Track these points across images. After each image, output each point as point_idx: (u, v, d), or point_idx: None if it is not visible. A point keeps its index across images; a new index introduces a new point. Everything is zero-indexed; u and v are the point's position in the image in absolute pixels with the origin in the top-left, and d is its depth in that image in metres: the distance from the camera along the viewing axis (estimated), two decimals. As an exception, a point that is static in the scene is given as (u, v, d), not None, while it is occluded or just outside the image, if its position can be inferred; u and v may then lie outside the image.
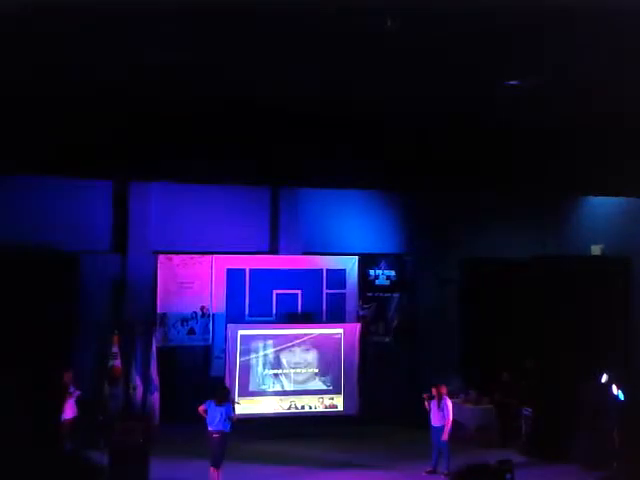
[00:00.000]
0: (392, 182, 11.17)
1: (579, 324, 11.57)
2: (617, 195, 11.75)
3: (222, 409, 9.95)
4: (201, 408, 10.05)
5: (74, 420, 11.25)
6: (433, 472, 10.74)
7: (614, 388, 10.77)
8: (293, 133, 9.44)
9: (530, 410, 11.76)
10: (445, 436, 10.67)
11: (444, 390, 11.00)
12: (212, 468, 9.99)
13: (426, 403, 10.95)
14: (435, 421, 10.85)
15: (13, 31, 6.18)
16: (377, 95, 8.21)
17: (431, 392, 10.96)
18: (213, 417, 9.94)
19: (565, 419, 11.13)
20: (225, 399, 10.17)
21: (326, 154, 9.79)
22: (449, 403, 10.88)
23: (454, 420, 11.00)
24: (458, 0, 5.67)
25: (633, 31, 6.19)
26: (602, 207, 12.91)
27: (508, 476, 8.16)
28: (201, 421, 10.17)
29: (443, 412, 10.77)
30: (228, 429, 9.95)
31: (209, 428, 9.98)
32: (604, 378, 10.90)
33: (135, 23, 6.09)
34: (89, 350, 12.46)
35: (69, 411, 11.22)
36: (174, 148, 9.84)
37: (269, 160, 10.03)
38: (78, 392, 11.32)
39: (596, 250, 12.96)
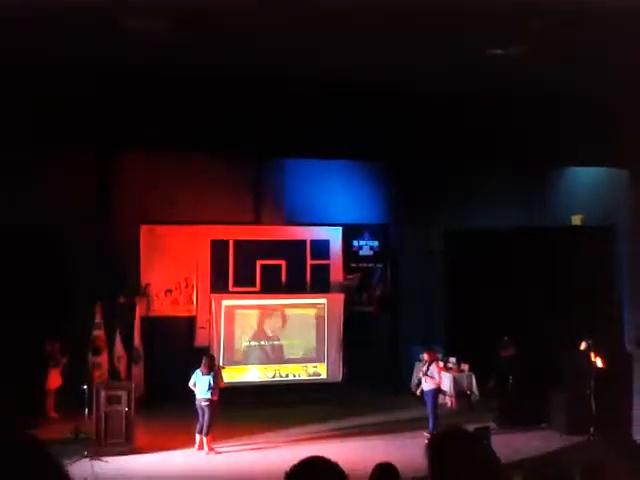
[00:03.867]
0: (378, 152, 11.19)
1: (561, 293, 11.77)
2: (599, 166, 11.88)
3: (209, 377, 10.05)
4: (191, 383, 10.14)
5: (59, 389, 11.29)
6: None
7: (592, 355, 11.01)
8: (286, 103, 9.39)
9: (508, 377, 11.95)
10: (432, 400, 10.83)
11: (434, 356, 11.16)
12: (200, 436, 10.10)
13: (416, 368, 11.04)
14: (426, 386, 10.97)
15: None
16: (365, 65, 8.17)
17: (422, 358, 11.05)
18: (201, 386, 10.03)
19: (544, 385, 11.37)
20: (211, 367, 10.26)
21: (317, 124, 9.77)
22: (437, 368, 11.04)
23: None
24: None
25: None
26: (583, 177, 13.04)
27: (485, 442, 8.36)
28: (186, 390, 10.26)
29: (433, 377, 10.91)
30: (215, 397, 10.06)
31: (197, 396, 10.08)
32: (583, 345, 11.13)
33: None
34: (75, 319, 12.43)
35: (54, 380, 11.25)
36: (157, 116, 9.74)
37: (257, 130, 9.97)
38: (64, 360, 11.34)
39: (577, 220, 13.13)
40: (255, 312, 14.15)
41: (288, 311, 14.30)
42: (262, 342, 14.08)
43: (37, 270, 11.82)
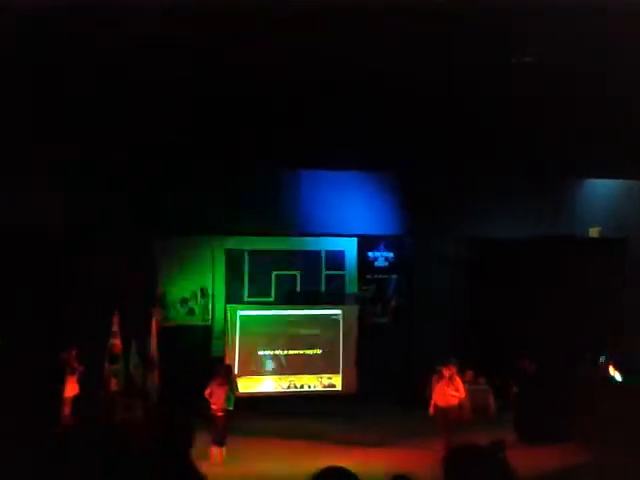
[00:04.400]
0: (393, 163, 11.22)
1: (579, 305, 11.68)
2: (616, 177, 11.81)
3: (225, 388, 10.07)
4: (207, 392, 10.16)
5: (76, 397, 11.36)
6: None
7: (611, 369, 10.90)
8: (302, 115, 9.46)
9: (527, 390, 11.85)
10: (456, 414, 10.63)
11: (453, 370, 10.86)
12: (214, 446, 10.11)
13: (433, 383, 10.83)
14: (445, 400, 10.69)
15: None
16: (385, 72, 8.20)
17: (441, 372, 10.78)
18: (217, 396, 10.06)
19: (562, 399, 11.25)
20: (227, 377, 10.28)
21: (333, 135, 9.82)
22: (459, 382, 10.83)
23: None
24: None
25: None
26: (600, 189, 12.96)
27: (500, 456, 8.25)
28: (201, 399, 10.28)
29: (455, 391, 10.65)
30: (231, 407, 10.07)
31: (212, 406, 10.10)
32: (602, 359, 11.02)
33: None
34: (92, 328, 12.51)
35: (71, 388, 11.33)
36: (173, 128, 9.84)
37: (274, 141, 10.05)
38: (81, 368, 11.41)
39: (594, 232, 13.05)
40: (270, 322, 14.17)
41: (303, 321, 14.31)
42: (277, 352, 14.09)
43: (55, 278, 11.94)
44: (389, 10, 6.27)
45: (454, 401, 10.69)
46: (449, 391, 10.68)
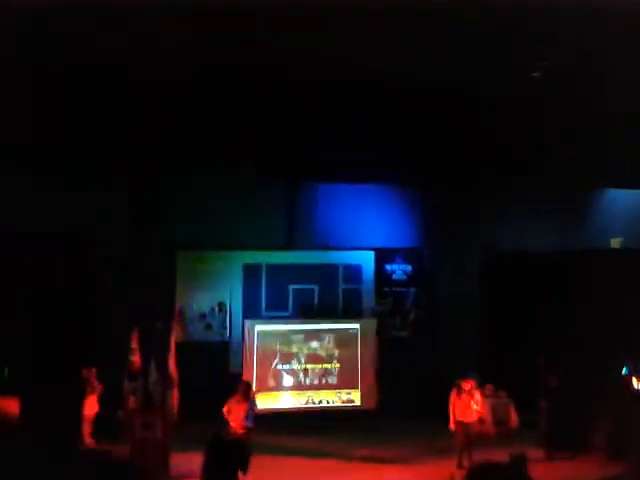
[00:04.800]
0: (410, 176, 11.17)
1: (600, 317, 11.49)
2: (638, 187, 11.66)
3: (244, 405, 10.01)
4: (225, 409, 10.10)
5: (95, 416, 11.37)
6: (460, 467, 10.53)
7: (635, 380, 10.70)
8: (318, 129, 9.48)
9: (549, 403, 11.66)
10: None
11: (473, 383, 10.76)
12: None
13: (453, 397, 10.70)
14: (464, 415, 10.58)
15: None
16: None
17: (460, 386, 10.65)
18: (235, 413, 9.99)
19: (586, 411, 11.06)
20: (247, 395, 10.22)
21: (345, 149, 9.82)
22: (479, 397, 10.72)
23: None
24: None
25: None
26: (622, 199, 12.81)
27: (522, 470, 8.09)
28: (220, 415, 10.23)
29: (474, 406, 10.56)
30: (251, 424, 10.00)
31: (232, 424, 10.03)
32: (625, 370, 10.82)
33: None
34: (111, 346, 12.57)
35: (91, 406, 11.35)
36: (190, 141, 9.89)
37: (291, 155, 10.07)
38: (100, 386, 11.44)
39: (616, 243, 12.88)
40: (287, 337, 14.11)
41: (321, 335, 14.24)
42: (295, 367, 14.02)
43: (73, 296, 12.01)
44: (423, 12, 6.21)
45: (474, 415, 10.54)
46: (469, 405, 10.54)
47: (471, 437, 10.50)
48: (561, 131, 9.62)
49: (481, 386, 13.00)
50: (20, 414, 9.65)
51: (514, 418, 12.82)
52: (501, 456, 7.81)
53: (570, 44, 7.02)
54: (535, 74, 7.63)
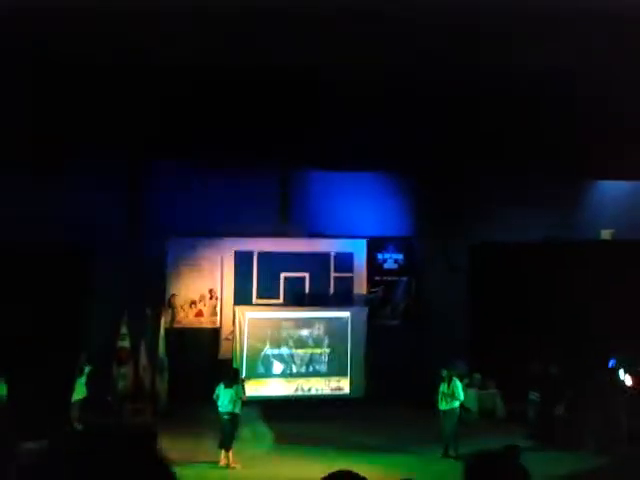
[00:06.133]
0: (402, 164, 11.16)
1: (590, 309, 11.55)
2: (629, 179, 11.69)
3: (232, 391, 10.02)
4: (214, 396, 10.10)
5: (84, 400, 11.34)
6: (445, 455, 10.68)
7: (621, 373, 10.78)
8: (310, 117, 9.43)
9: (537, 395, 11.76)
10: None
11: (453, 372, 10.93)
12: (223, 450, 10.03)
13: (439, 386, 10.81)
14: (446, 404, 10.76)
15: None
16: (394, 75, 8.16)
17: (442, 375, 10.85)
18: (223, 399, 10.00)
19: (574, 404, 11.13)
20: (234, 381, 10.23)
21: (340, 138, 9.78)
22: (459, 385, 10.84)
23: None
24: None
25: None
26: (612, 191, 12.83)
27: (516, 461, 8.13)
28: (209, 402, 10.24)
29: (453, 395, 10.71)
30: (238, 410, 10.01)
31: (220, 410, 10.04)
32: (612, 363, 10.90)
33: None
34: (99, 331, 12.52)
35: (79, 391, 11.30)
36: (185, 129, 9.83)
37: (283, 142, 10.02)
38: (88, 368, 11.39)
39: (606, 235, 12.92)
40: (278, 325, 14.11)
41: (311, 323, 14.24)
42: (285, 355, 14.03)
43: (62, 281, 11.95)
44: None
45: (455, 404, 10.64)
46: (454, 394, 10.67)
47: (453, 425, 10.59)
48: (554, 123, 9.62)
49: (469, 376, 13.09)
50: (7, 398, 9.61)
51: (501, 409, 12.90)
52: (488, 446, 7.87)
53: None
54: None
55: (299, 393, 13.93)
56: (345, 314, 14.41)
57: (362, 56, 7.73)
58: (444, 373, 10.83)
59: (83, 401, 11.32)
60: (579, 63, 7.75)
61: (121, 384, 12.07)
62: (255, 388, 13.48)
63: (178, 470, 2.09)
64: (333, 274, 14.78)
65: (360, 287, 14.86)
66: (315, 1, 6.35)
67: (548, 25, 6.67)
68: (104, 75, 8.12)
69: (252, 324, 13.94)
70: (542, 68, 7.86)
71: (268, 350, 13.98)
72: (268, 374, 13.90)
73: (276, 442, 11.15)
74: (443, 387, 10.80)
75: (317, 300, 14.51)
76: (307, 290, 14.59)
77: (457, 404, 10.71)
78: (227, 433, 10.00)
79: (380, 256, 15.04)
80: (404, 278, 15.08)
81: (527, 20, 6.53)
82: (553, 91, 8.61)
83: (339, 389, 14.15)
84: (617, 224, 12.72)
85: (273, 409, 12.96)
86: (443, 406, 10.76)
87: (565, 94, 8.70)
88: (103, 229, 12.91)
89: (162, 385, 12.72)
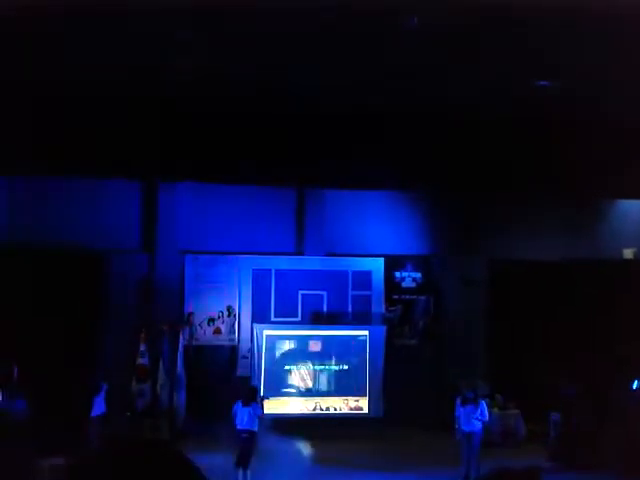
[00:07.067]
0: (420, 182, 11.15)
1: (612, 329, 11.39)
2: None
3: (249, 409, 9.98)
4: (232, 413, 10.08)
5: (103, 417, 11.37)
6: (466, 478, 10.49)
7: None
8: (327, 135, 9.48)
9: (559, 415, 11.57)
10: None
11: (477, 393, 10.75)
12: (240, 468, 9.98)
13: (458, 407, 10.67)
14: (469, 425, 10.55)
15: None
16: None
17: (465, 395, 10.65)
18: (241, 417, 9.98)
19: (596, 425, 10.94)
20: (252, 399, 10.20)
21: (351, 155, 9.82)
22: (485, 406, 10.68)
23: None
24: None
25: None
26: (635, 210, 12.70)
27: (538, 480, 8.00)
28: (227, 419, 10.21)
29: (479, 416, 10.54)
30: (256, 428, 9.97)
31: (237, 427, 10.01)
32: (636, 384, 10.71)
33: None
34: (118, 348, 12.60)
35: (98, 408, 11.34)
36: (201, 148, 9.93)
37: (300, 161, 10.09)
38: (105, 385, 11.44)
39: (628, 254, 12.76)
40: (296, 343, 14.08)
41: (329, 342, 14.19)
42: (303, 373, 13.97)
43: (82, 297, 12.06)
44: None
45: (478, 425, 10.48)
46: (473, 415, 10.49)
47: (475, 447, 10.42)
48: (574, 142, 9.57)
49: (490, 396, 12.91)
50: (28, 414, 9.67)
51: (522, 429, 12.70)
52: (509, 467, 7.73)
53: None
54: (542, 83, 7.61)
55: (317, 412, 13.84)
56: (364, 332, 14.34)
57: (381, 74, 7.78)
58: (470, 395, 10.63)
59: (102, 417, 11.35)
60: (598, 82, 7.73)
61: (140, 401, 12.10)
62: (273, 406, 13.43)
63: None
64: (351, 292, 14.74)
65: (378, 305, 14.80)
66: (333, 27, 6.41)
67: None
68: (122, 94, 8.25)
69: (270, 342, 13.93)
70: (560, 86, 7.86)
71: (286, 368, 13.95)
72: (286, 392, 13.85)
73: (294, 461, 11.09)
74: (469, 408, 10.56)
75: (335, 318, 14.47)
76: (325, 308, 14.57)
77: (480, 425, 10.53)
78: (244, 451, 9.95)
79: (398, 274, 14.98)
80: (422, 297, 14.99)
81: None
82: (573, 108, 8.59)
83: (358, 408, 14.04)
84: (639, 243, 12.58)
85: (290, 428, 12.91)
86: (467, 427, 10.52)
87: (586, 112, 8.68)
88: (121, 245, 13.04)
89: (180, 402, 12.73)
